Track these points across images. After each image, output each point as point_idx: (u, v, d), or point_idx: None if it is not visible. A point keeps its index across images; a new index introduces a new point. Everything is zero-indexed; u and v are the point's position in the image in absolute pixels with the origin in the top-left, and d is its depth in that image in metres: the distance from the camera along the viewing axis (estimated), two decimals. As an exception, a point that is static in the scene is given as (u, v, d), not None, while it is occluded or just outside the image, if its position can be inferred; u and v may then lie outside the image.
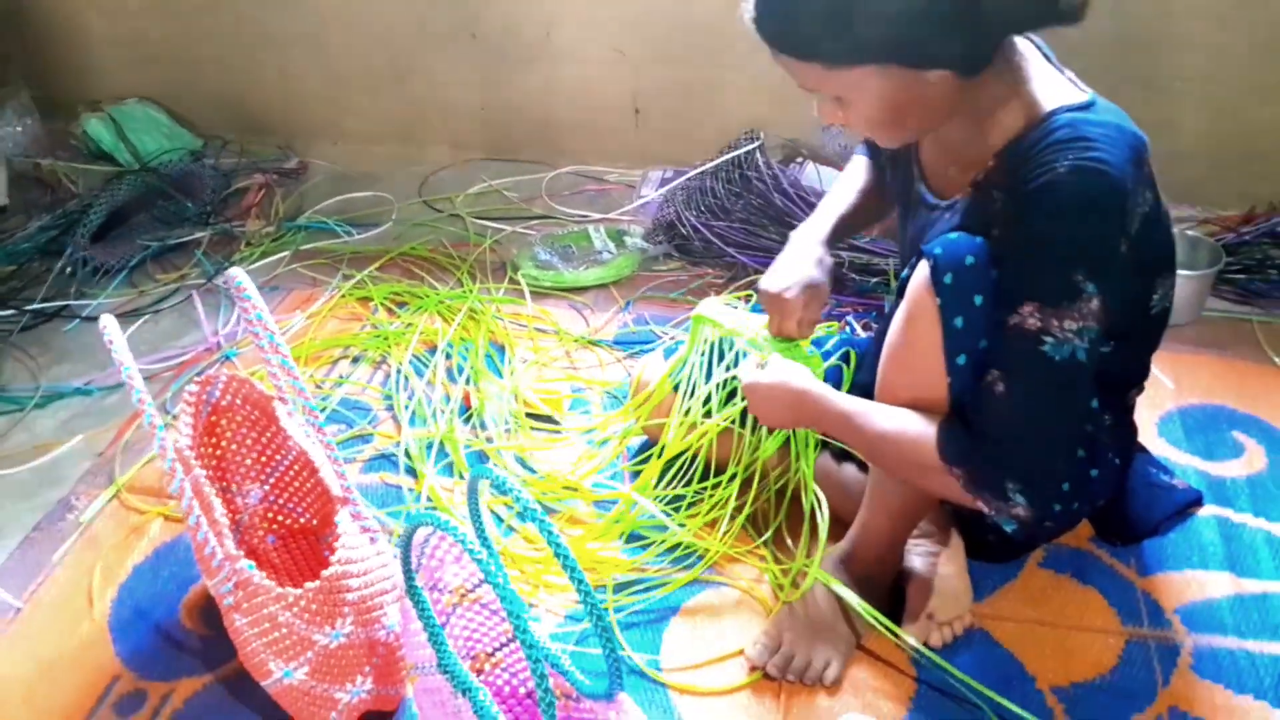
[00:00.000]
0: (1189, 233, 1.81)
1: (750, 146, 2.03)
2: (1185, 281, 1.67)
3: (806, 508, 1.30)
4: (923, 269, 1.01)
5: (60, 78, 2.61)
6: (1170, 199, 1.96)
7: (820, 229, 1.29)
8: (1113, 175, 0.94)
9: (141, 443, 1.62)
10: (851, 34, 0.93)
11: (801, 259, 1.25)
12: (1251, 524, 1.36)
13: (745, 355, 1.29)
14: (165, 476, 1.05)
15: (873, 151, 1.36)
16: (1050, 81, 1.03)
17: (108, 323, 1.00)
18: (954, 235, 1.02)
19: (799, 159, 2.14)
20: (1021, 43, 1.05)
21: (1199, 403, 1.56)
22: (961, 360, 1.02)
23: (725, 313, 1.35)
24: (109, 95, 2.55)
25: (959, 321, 1.00)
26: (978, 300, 1.00)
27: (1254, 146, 1.97)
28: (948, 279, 0.99)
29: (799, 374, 1.16)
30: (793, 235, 1.30)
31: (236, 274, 1.10)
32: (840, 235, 1.31)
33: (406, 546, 0.94)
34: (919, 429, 1.04)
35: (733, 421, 1.33)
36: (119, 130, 2.43)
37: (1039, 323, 0.96)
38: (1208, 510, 1.37)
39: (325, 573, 1.02)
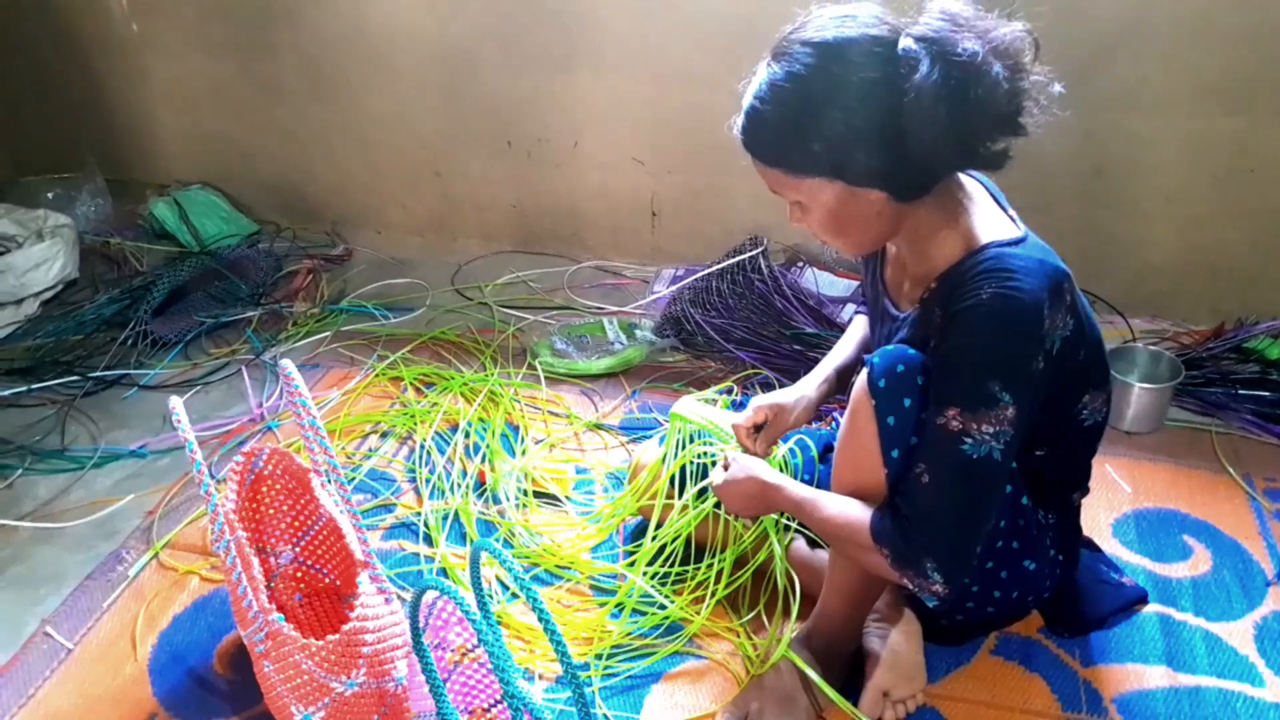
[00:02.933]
0: (1151, 348, 1.94)
1: (754, 251, 2.21)
2: (1145, 393, 1.82)
3: (782, 588, 1.44)
4: (863, 375, 1.18)
5: (131, 162, 2.87)
6: (1143, 312, 2.13)
7: (814, 378, 1.48)
8: (1027, 302, 1.10)
9: (187, 504, 1.79)
10: (806, 149, 1.12)
11: (794, 393, 1.46)
12: (1192, 622, 1.47)
13: (714, 458, 1.44)
14: (213, 537, 1.22)
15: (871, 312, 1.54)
16: (989, 217, 1.20)
17: (176, 404, 1.18)
18: (892, 347, 1.19)
19: (799, 264, 2.32)
20: (968, 181, 1.22)
21: (1153, 507, 1.68)
22: (895, 454, 1.18)
23: (698, 409, 1.53)
24: (174, 180, 2.81)
25: (891, 420, 1.16)
26: (906, 403, 1.16)
27: (1220, 264, 2.11)
28: (881, 383, 1.16)
29: (759, 468, 1.34)
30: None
31: (286, 364, 1.27)
32: (834, 385, 1.49)
33: (415, 608, 1.09)
34: (857, 514, 1.20)
35: (716, 506, 1.48)
36: (182, 213, 2.66)
37: (960, 425, 1.11)
38: (1152, 608, 1.49)
39: (345, 627, 1.17)
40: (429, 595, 1.18)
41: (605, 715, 1.35)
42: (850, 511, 1.20)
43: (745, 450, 1.43)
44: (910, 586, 1.16)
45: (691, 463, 1.51)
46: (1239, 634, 1.44)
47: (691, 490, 1.49)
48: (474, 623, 0.98)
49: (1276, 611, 1.48)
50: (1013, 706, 1.35)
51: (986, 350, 1.11)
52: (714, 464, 1.43)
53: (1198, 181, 2.05)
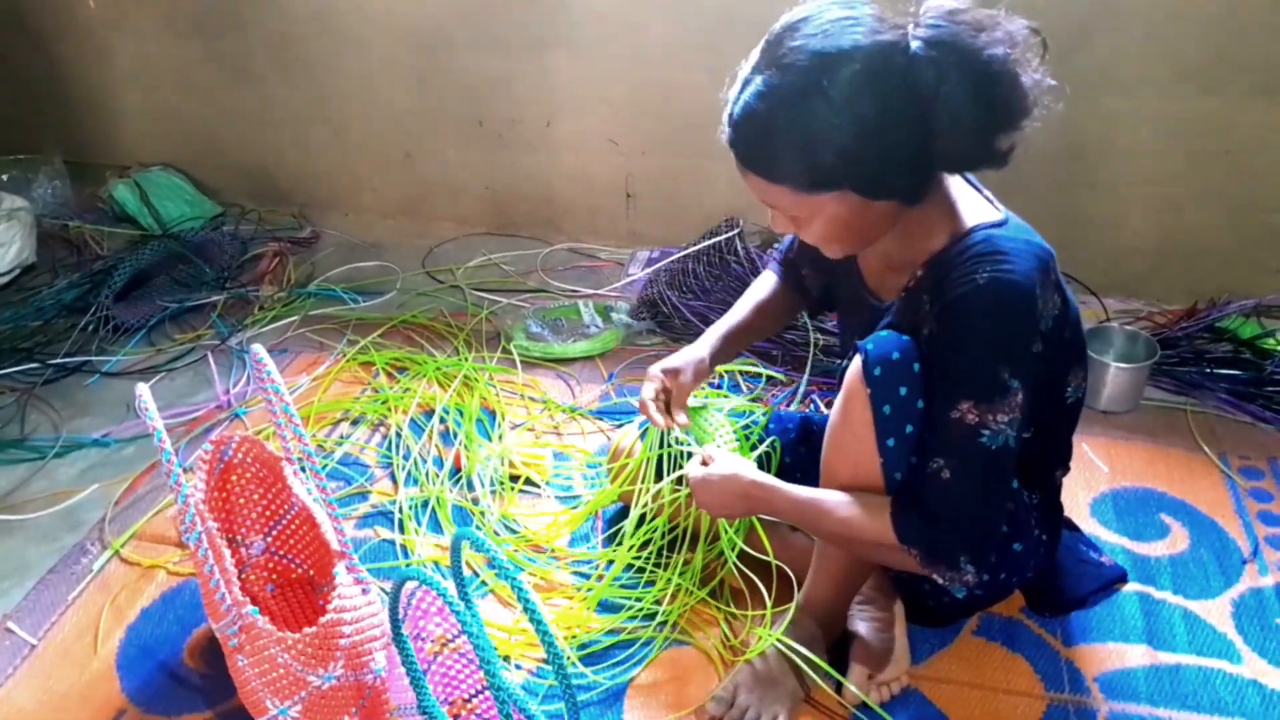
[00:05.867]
0: (1128, 327, 1.95)
1: (730, 233, 2.19)
2: (1123, 373, 1.82)
3: (773, 570, 1.41)
4: (856, 362, 1.16)
5: (90, 144, 2.79)
6: (1119, 293, 2.14)
7: (707, 340, 1.46)
8: (1023, 284, 1.09)
9: (153, 494, 1.75)
10: (816, 165, 1.07)
11: (686, 356, 1.44)
12: (1171, 600, 1.47)
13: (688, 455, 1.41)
14: (183, 528, 1.18)
15: (786, 271, 1.51)
16: (970, 201, 1.19)
17: (143, 391, 1.14)
18: (884, 333, 1.16)
19: (775, 245, 2.30)
20: None
21: (1131, 486, 1.69)
22: (891, 443, 1.16)
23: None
24: (136, 162, 2.73)
25: (887, 409, 1.14)
26: (902, 391, 1.14)
27: (1195, 245, 2.12)
28: (877, 371, 1.14)
29: (745, 466, 1.29)
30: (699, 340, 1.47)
31: (258, 349, 1.23)
32: (731, 346, 1.48)
33: (395, 599, 1.06)
34: (872, 513, 1.17)
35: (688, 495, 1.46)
36: (143, 195, 2.59)
37: (976, 418, 1.10)
38: (1131, 587, 1.49)
39: (322, 619, 1.14)
40: (408, 585, 1.15)
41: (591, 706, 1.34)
42: (863, 512, 1.18)
43: (653, 423, 1.40)
44: (940, 580, 1.15)
45: (671, 452, 1.49)
46: (1217, 611, 1.45)
47: (668, 479, 1.46)
48: (458, 614, 0.95)
49: (1253, 589, 1.49)
50: (996, 687, 1.34)
51: (991, 338, 1.09)
52: (688, 457, 1.40)
53: (1174, 163, 2.06)
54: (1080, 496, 1.66)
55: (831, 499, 1.21)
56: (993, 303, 1.09)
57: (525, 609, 0.96)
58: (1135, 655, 1.39)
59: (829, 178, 1.08)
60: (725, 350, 1.47)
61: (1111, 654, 1.39)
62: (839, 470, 1.22)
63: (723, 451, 1.35)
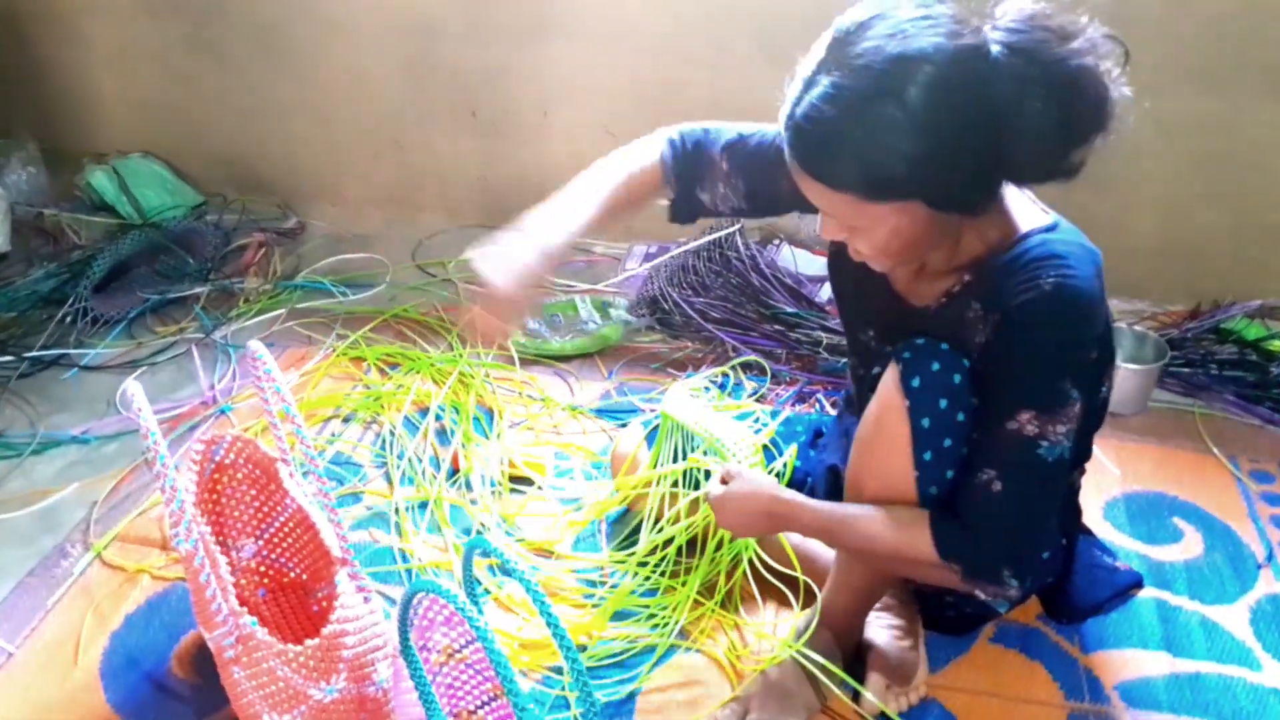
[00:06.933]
0: (1136, 329, 1.93)
1: (731, 228, 2.15)
2: (1132, 375, 1.80)
3: (800, 579, 1.37)
4: (893, 371, 1.11)
5: (67, 130, 2.69)
6: (1122, 293, 2.12)
7: (566, 216, 1.20)
8: (1086, 290, 1.05)
9: (136, 493, 1.68)
10: (888, 176, 1.00)
11: (528, 248, 1.17)
12: (1188, 607, 1.45)
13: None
14: (173, 533, 1.12)
15: (677, 160, 1.28)
16: (1020, 204, 1.13)
17: (135, 390, 1.08)
18: (921, 341, 1.11)
19: (776, 241, 2.26)
20: None
21: (1142, 489, 1.67)
22: (928, 457, 1.10)
23: (690, 406, 1.45)
24: (113, 149, 2.64)
25: (925, 422, 1.09)
26: (942, 404, 1.09)
27: (1198, 246, 2.10)
28: (915, 382, 1.09)
29: (769, 483, 1.24)
30: (537, 210, 1.21)
31: (256, 347, 1.18)
32: (592, 223, 1.23)
33: (406, 611, 1.01)
34: (905, 528, 1.11)
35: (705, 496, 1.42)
36: (122, 183, 2.51)
37: (1036, 429, 1.06)
38: (1147, 592, 1.46)
39: (325, 630, 1.09)
40: (417, 596, 1.10)
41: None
42: (896, 527, 1.12)
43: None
44: (983, 595, 1.11)
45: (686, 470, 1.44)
46: (1234, 618, 1.43)
47: (684, 500, 1.41)
48: (477, 629, 0.90)
49: (1269, 595, 1.47)
50: (1016, 696, 1.31)
51: (1056, 346, 1.05)
52: (708, 475, 1.35)
53: (1178, 163, 2.03)
54: (1093, 500, 1.63)
55: (860, 514, 1.15)
56: (1058, 309, 1.04)
57: (548, 624, 0.91)
58: (1154, 663, 1.36)
59: (896, 188, 1.01)
60: (576, 236, 1.21)
61: (1130, 661, 1.37)
62: (868, 483, 1.17)
63: (742, 468, 1.29)
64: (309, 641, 1.09)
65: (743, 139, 1.27)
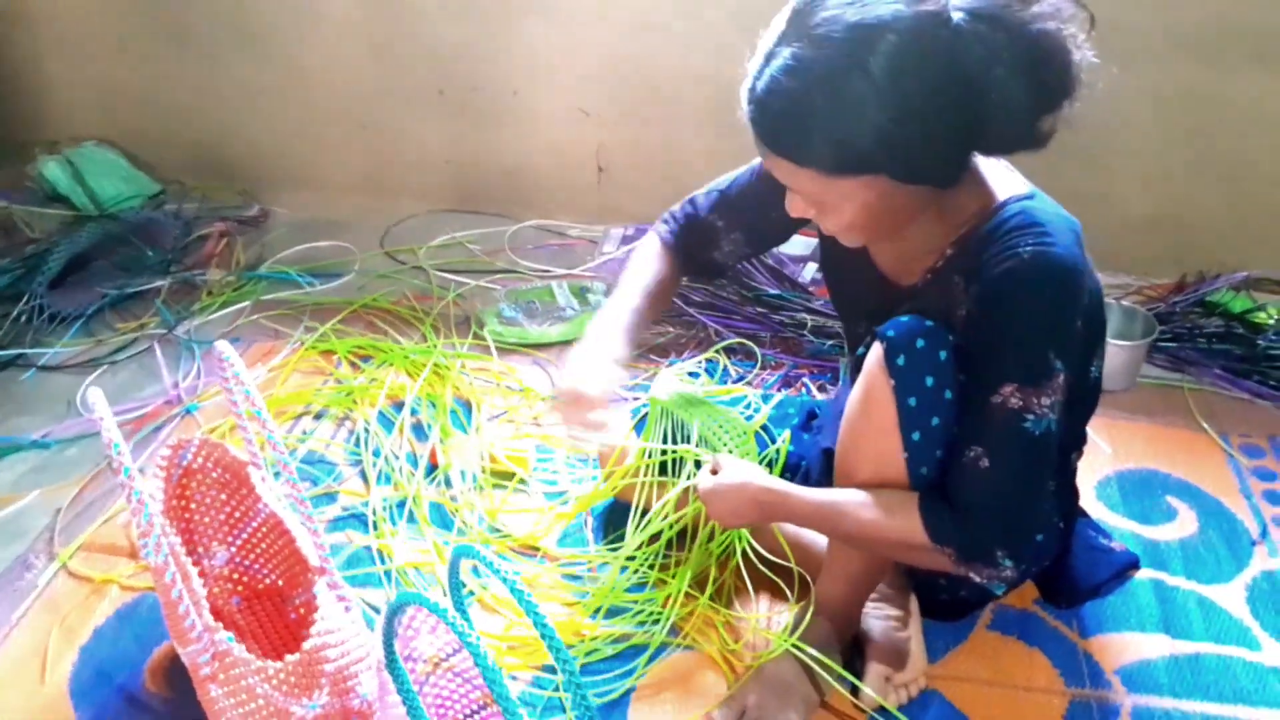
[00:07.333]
0: (1124, 303, 1.90)
1: (710, 209, 2.09)
2: (1121, 351, 1.78)
3: (795, 570, 1.34)
4: (876, 350, 1.08)
5: (14, 118, 2.59)
6: (1108, 267, 2.10)
7: (619, 330, 1.29)
8: (1067, 259, 1.03)
9: (101, 499, 1.61)
10: (854, 149, 0.98)
11: (601, 359, 1.26)
12: (1184, 587, 1.43)
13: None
14: (141, 544, 1.06)
15: (679, 240, 1.36)
16: (997, 173, 1.11)
17: (96, 398, 1.01)
18: (905, 319, 1.08)
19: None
20: None
21: (1134, 467, 1.65)
22: (916, 437, 1.08)
23: (679, 391, 1.40)
24: (66, 137, 2.54)
25: (912, 401, 1.06)
26: (929, 381, 1.06)
27: (1185, 219, 2.09)
28: (900, 360, 1.06)
29: (757, 473, 1.21)
30: (590, 330, 1.31)
31: (224, 347, 1.11)
32: (639, 331, 1.32)
33: (390, 623, 0.96)
34: (896, 512, 1.09)
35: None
36: (76, 173, 2.41)
37: (1020, 401, 1.03)
38: (1144, 573, 1.45)
39: (306, 645, 1.04)
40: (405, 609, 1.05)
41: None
42: (887, 511, 1.09)
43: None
44: (977, 578, 1.08)
45: (675, 459, 1.39)
46: (1231, 597, 1.42)
47: (674, 490, 1.37)
48: (463, 637, 0.86)
49: (1265, 572, 1.45)
50: (1016, 685, 1.29)
51: (1037, 315, 1.02)
52: (699, 464, 1.31)
53: (1164, 133, 2.02)
54: (1085, 479, 1.59)
55: (851, 500, 1.13)
56: (1038, 278, 1.02)
57: (542, 635, 0.86)
58: (1154, 645, 1.34)
59: (863, 161, 0.99)
60: (632, 346, 1.30)
61: (1130, 645, 1.35)
62: (858, 467, 1.14)
63: (731, 458, 1.26)
64: (289, 657, 1.04)
65: (724, 194, 1.34)
